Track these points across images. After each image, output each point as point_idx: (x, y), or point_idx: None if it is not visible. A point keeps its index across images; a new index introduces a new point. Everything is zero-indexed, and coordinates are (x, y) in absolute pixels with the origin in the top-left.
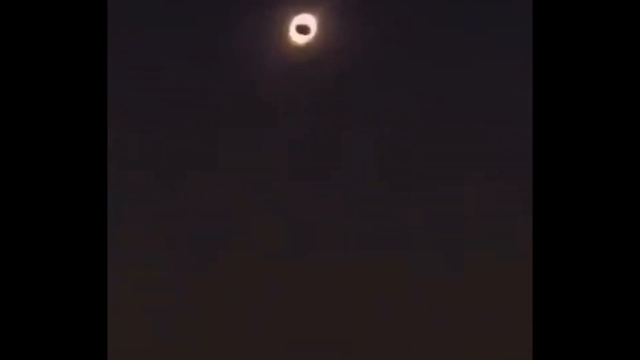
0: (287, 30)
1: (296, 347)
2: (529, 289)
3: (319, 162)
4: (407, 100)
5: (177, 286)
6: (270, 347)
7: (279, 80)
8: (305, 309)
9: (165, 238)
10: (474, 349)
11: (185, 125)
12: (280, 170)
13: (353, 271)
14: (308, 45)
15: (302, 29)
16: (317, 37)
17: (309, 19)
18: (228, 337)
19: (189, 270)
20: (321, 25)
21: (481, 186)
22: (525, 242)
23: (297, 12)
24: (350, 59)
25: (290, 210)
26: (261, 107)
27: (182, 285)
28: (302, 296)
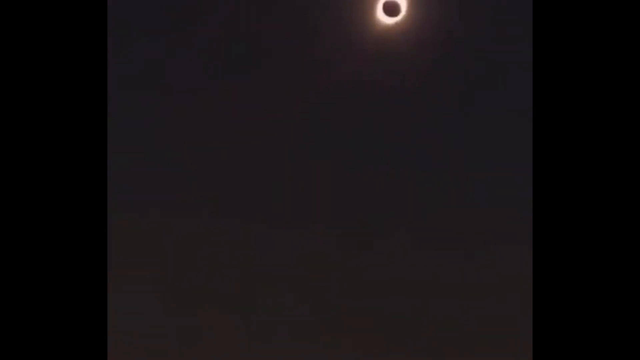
0: (375, 10)
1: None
2: (529, 289)
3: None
4: (496, 94)
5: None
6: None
7: (364, 61)
8: (306, 304)
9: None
10: (474, 348)
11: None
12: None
13: (353, 271)
14: (396, 25)
15: (391, 9)
16: (406, 18)
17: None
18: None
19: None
20: (410, 7)
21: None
22: (525, 244)
23: None
24: (439, 45)
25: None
26: (342, 87)
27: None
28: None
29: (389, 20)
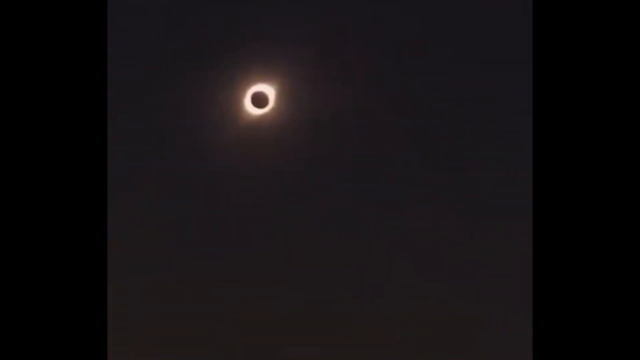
0: (243, 101)
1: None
2: (529, 289)
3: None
4: (374, 175)
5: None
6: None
7: (232, 153)
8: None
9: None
10: (474, 349)
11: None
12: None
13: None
14: (264, 116)
15: (259, 100)
16: (274, 109)
17: (266, 90)
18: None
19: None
20: (278, 97)
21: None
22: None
23: (254, 83)
24: (309, 131)
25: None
26: (212, 178)
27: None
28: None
29: (257, 111)
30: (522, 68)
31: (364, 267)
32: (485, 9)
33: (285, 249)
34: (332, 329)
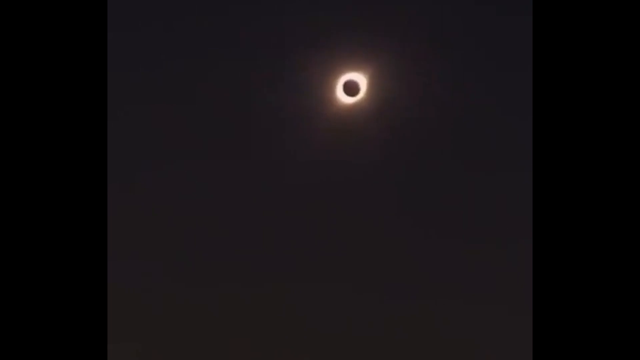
0: (334, 90)
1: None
2: (529, 290)
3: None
4: (458, 166)
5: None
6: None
7: (324, 141)
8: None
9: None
10: (474, 350)
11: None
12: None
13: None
14: (356, 105)
15: (351, 88)
16: (366, 97)
17: (357, 79)
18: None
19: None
20: (370, 86)
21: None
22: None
23: (346, 72)
24: (399, 120)
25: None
26: (303, 169)
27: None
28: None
29: (349, 100)
30: (522, 68)
31: (364, 267)
32: None
33: (287, 249)
34: (333, 329)
